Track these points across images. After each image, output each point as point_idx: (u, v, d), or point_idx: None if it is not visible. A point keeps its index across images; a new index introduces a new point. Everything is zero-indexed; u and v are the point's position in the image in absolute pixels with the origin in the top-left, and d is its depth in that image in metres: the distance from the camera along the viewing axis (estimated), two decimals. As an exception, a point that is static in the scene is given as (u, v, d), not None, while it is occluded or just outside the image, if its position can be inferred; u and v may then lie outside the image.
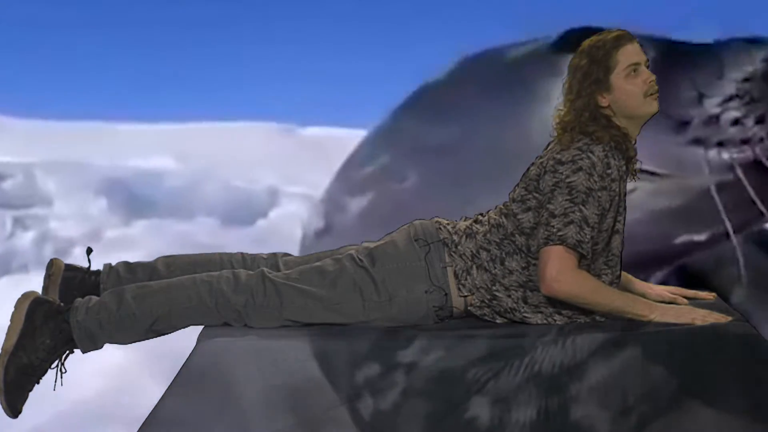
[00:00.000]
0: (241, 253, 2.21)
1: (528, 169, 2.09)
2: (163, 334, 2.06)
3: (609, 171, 1.99)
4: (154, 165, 11.05)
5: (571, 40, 4.57)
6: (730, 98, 4.24)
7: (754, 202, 4.16)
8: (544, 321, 2.04)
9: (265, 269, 2.06)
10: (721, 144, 4.26)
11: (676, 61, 4.33)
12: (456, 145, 4.62)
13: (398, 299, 2.02)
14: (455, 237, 2.06)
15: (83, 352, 2.02)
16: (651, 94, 2.04)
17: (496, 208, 2.12)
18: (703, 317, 1.98)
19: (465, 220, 2.13)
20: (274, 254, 2.21)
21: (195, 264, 2.18)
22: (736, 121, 4.24)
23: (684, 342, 1.87)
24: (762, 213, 4.19)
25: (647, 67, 2.06)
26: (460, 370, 1.80)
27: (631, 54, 2.04)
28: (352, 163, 5.47)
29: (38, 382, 1.99)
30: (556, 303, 2.02)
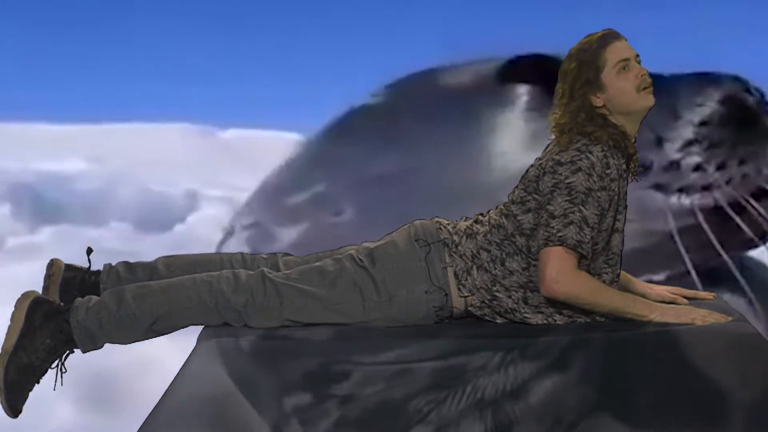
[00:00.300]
0: (242, 253, 2.23)
1: (527, 170, 2.10)
2: (163, 334, 2.07)
3: (608, 171, 2.00)
4: (65, 168, 10.65)
5: (518, 70, 4.43)
6: (690, 143, 4.24)
7: (713, 246, 4.17)
8: (545, 321, 2.05)
9: (265, 269, 2.07)
10: (682, 190, 4.25)
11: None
12: (397, 177, 4.40)
13: (398, 299, 2.02)
14: (455, 237, 2.07)
15: (83, 352, 2.03)
16: (644, 88, 2.04)
17: (496, 208, 2.13)
18: (703, 317, 1.99)
19: (465, 221, 2.14)
20: (274, 254, 2.22)
21: (195, 264, 2.19)
22: (697, 167, 4.26)
23: (684, 342, 1.89)
24: (720, 254, 4.20)
25: (638, 62, 2.07)
26: (401, 402, 1.82)
27: (619, 50, 2.05)
28: (281, 188, 5.15)
29: (38, 382, 2.00)
30: (557, 303, 2.02)
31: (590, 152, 1.99)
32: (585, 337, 1.92)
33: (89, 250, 2.19)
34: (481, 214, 2.15)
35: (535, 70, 4.38)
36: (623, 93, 2.04)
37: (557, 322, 2.05)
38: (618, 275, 2.11)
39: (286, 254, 2.21)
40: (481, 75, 4.56)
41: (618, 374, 1.83)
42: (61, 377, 2.01)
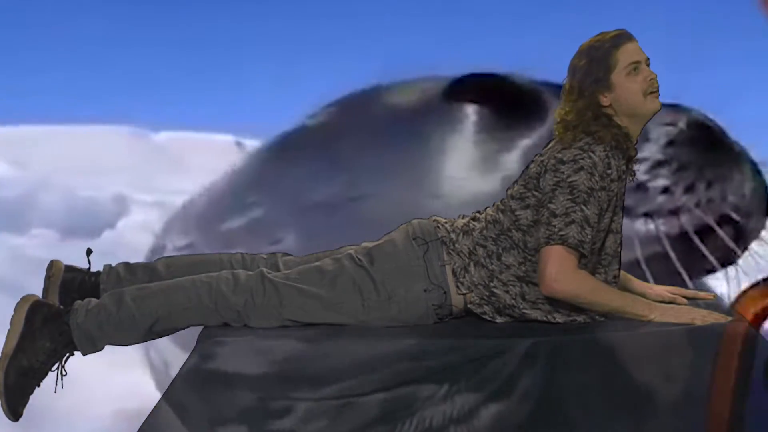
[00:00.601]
0: (241, 254, 2.24)
1: (527, 166, 2.10)
2: (164, 335, 2.09)
3: (609, 171, 2.01)
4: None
5: (465, 89, 4.23)
6: (659, 164, 4.11)
7: (680, 273, 4.09)
8: (544, 318, 2.05)
9: (264, 269, 2.08)
10: (648, 215, 4.14)
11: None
12: (338, 203, 4.17)
13: (397, 298, 2.03)
14: (453, 235, 2.08)
15: (83, 354, 2.04)
16: (651, 92, 2.06)
17: (493, 205, 2.14)
18: (702, 317, 1.99)
19: (463, 218, 2.15)
20: (274, 254, 2.23)
21: (195, 264, 2.21)
22: (665, 190, 4.13)
23: (682, 342, 1.91)
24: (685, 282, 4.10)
25: (647, 65, 2.09)
26: None
27: (631, 52, 2.07)
28: (216, 211, 4.86)
29: (39, 385, 2.01)
30: (555, 301, 2.03)
31: (593, 151, 1.99)
32: (539, 350, 1.88)
33: (89, 251, 2.19)
34: (479, 212, 2.15)
35: (484, 90, 4.19)
36: (631, 95, 2.05)
37: (556, 319, 2.04)
38: (615, 276, 2.11)
39: (286, 254, 2.22)
40: (428, 94, 4.35)
41: (561, 387, 1.84)
42: (62, 380, 2.01)
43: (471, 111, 4.25)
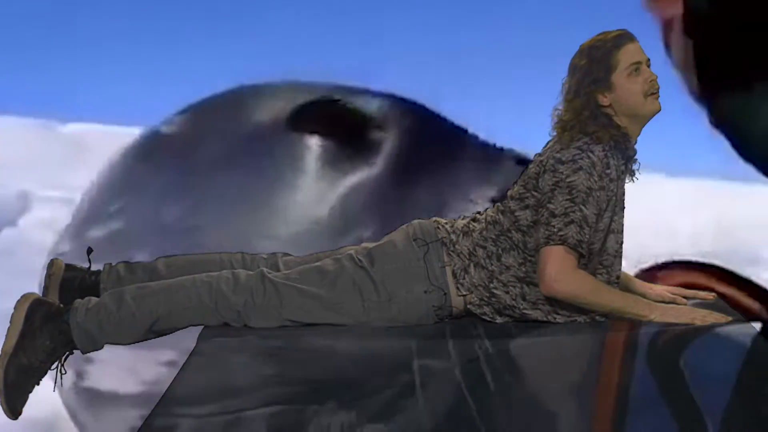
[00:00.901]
0: (242, 253, 2.28)
1: (526, 167, 2.14)
2: (164, 335, 2.13)
3: (608, 171, 2.04)
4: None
5: (307, 119, 4.23)
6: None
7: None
8: (544, 318, 2.08)
9: (264, 269, 2.12)
10: None
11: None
12: (179, 230, 4.14)
13: (398, 299, 2.08)
14: (453, 236, 2.12)
15: (83, 353, 2.09)
16: (652, 94, 2.10)
17: (494, 205, 2.19)
18: (703, 317, 2.03)
19: (463, 219, 2.19)
20: (274, 254, 2.27)
21: (195, 264, 2.25)
22: None
23: (684, 342, 1.95)
24: None
25: (648, 66, 2.13)
26: None
27: (632, 53, 2.11)
28: (84, 215, 4.81)
29: (38, 383, 2.05)
30: (555, 301, 2.07)
31: (591, 151, 2.03)
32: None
33: (89, 250, 2.25)
34: (479, 212, 2.19)
35: (326, 120, 4.20)
36: (631, 95, 2.10)
37: (557, 320, 2.06)
38: (617, 276, 2.13)
39: (286, 254, 2.26)
40: (278, 116, 4.33)
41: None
42: (61, 378, 2.05)
43: (313, 143, 4.26)
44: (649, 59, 2.15)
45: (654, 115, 2.14)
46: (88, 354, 2.21)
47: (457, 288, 2.09)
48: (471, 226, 2.16)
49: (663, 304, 2.13)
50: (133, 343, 2.15)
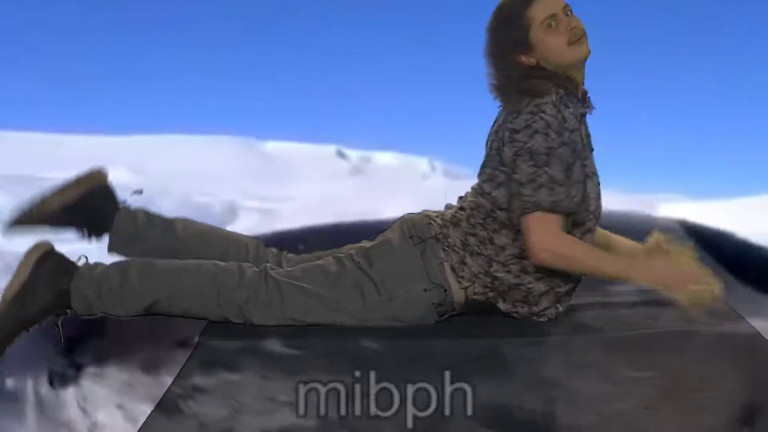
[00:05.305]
0: (257, 240, 2.17)
1: (487, 144, 2.02)
2: (161, 315, 2.03)
3: (565, 124, 1.93)
4: (110, 178, 10.84)
5: None
6: None
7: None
8: (547, 288, 1.97)
9: (268, 265, 2.03)
10: None
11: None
12: None
13: (398, 299, 1.97)
14: (444, 229, 2.02)
15: (79, 317, 2.00)
16: (575, 41, 1.96)
17: (471, 189, 2.06)
18: (697, 282, 1.89)
19: (451, 209, 2.08)
20: (281, 251, 2.16)
21: (211, 236, 2.15)
22: None
23: (681, 342, 1.86)
24: None
25: (567, 13, 1.98)
26: None
27: (545, 5, 1.96)
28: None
29: (28, 331, 1.99)
30: (554, 271, 1.96)
31: (543, 111, 1.94)
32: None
33: (139, 191, 2.17)
34: (461, 197, 2.11)
35: None
36: (553, 50, 1.97)
37: (561, 290, 1.99)
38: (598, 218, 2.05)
39: (290, 251, 2.19)
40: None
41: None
42: (62, 338, 2.00)
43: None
44: (566, 5, 2.00)
45: (584, 59, 2.01)
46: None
47: (459, 281, 2.00)
48: (458, 215, 2.06)
49: (651, 267, 1.97)
50: (128, 317, 2.05)
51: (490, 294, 2.01)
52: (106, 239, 2.14)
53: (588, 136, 2.04)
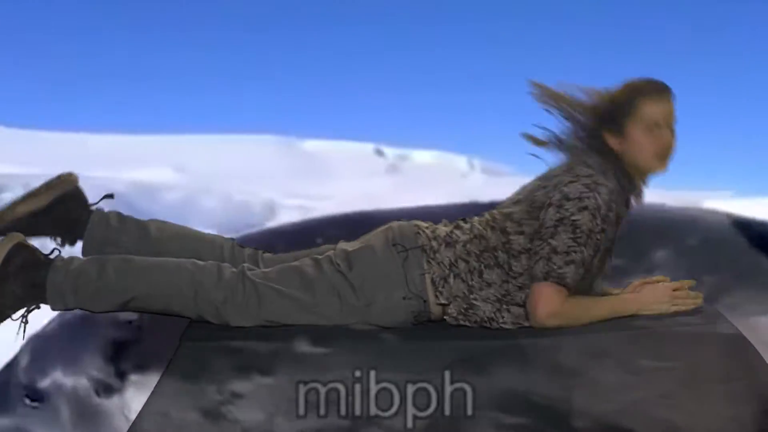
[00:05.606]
0: (233, 241, 2.16)
1: (533, 191, 2.05)
2: (138, 312, 2.04)
3: (610, 214, 1.98)
4: (153, 177, 11.15)
5: None
6: None
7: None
8: (518, 326, 2.02)
9: (246, 266, 2.03)
10: None
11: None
12: None
13: (376, 305, 1.99)
14: (434, 243, 2.03)
15: (53, 310, 1.99)
16: (662, 157, 2.03)
17: (482, 216, 2.08)
18: (683, 300, 2.01)
19: (445, 226, 2.09)
20: (256, 251, 2.16)
21: (186, 238, 2.13)
22: None
23: (665, 344, 1.92)
24: None
25: (671, 128, 2.03)
26: None
27: (657, 110, 2.02)
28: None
29: None
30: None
31: (599, 192, 1.98)
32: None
33: (109, 195, 2.14)
34: (463, 220, 2.11)
35: None
36: (640, 151, 2.03)
37: (527, 324, 2.03)
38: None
39: (266, 251, 2.19)
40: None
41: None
42: (24, 331, 1.95)
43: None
44: (673, 114, 2.04)
45: (656, 174, 2.07)
46: None
47: (436, 296, 2.01)
48: (454, 235, 2.05)
49: (638, 294, 2.05)
50: (105, 312, 2.05)
51: (461, 318, 2.02)
52: (79, 245, 2.09)
53: (614, 240, 2.04)
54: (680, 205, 3.55)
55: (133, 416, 1.85)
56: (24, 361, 3.19)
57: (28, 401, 3.01)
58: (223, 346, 1.92)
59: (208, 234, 2.19)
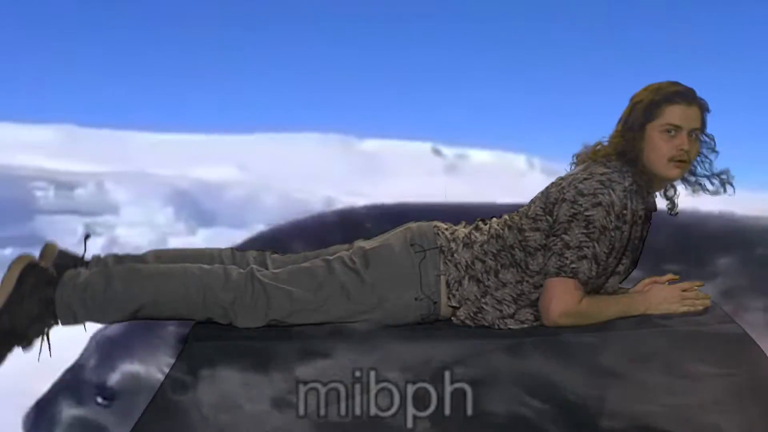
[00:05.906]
0: (231, 249, 2.19)
1: (548, 189, 2.08)
2: (147, 320, 2.09)
3: (625, 212, 2.00)
4: (218, 175, 11.39)
5: None
6: None
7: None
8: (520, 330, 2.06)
9: (254, 267, 2.06)
10: None
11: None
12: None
13: (387, 304, 2.02)
14: (452, 244, 2.05)
15: (63, 325, 2.04)
16: (676, 162, 2.06)
17: (501, 217, 2.12)
18: (692, 302, 2.05)
19: (465, 227, 2.13)
20: (263, 252, 2.20)
21: (186, 258, 2.16)
22: None
23: (669, 344, 1.95)
24: None
25: (692, 135, 2.06)
26: None
27: (679, 115, 2.04)
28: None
29: (20, 346, 2.00)
30: (537, 317, 2.05)
31: (613, 189, 1.98)
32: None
33: (87, 236, 2.15)
34: (482, 221, 2.12)
35: None
36: (653, 152, 2.04)
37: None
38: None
39: (274, 252, 2.19)
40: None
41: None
42: (49, 348, 1.99)
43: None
44: (698, 128, 2.06)
45: (669, 181, 2.10)
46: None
47: (449, 298, 2.02)
48: (473, 236, 2.06)
49: (646, 294, 2.07)
50: (115, 323, 2.10)
51: (468, 321, 2.05)
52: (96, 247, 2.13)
53: (637, 239, 2.06)
54: (753, 215, 3.52)
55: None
56: (92, 361, 3.34)
57: (100, 399, 3.16)
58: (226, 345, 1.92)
59: (206, 249, 2.20)
